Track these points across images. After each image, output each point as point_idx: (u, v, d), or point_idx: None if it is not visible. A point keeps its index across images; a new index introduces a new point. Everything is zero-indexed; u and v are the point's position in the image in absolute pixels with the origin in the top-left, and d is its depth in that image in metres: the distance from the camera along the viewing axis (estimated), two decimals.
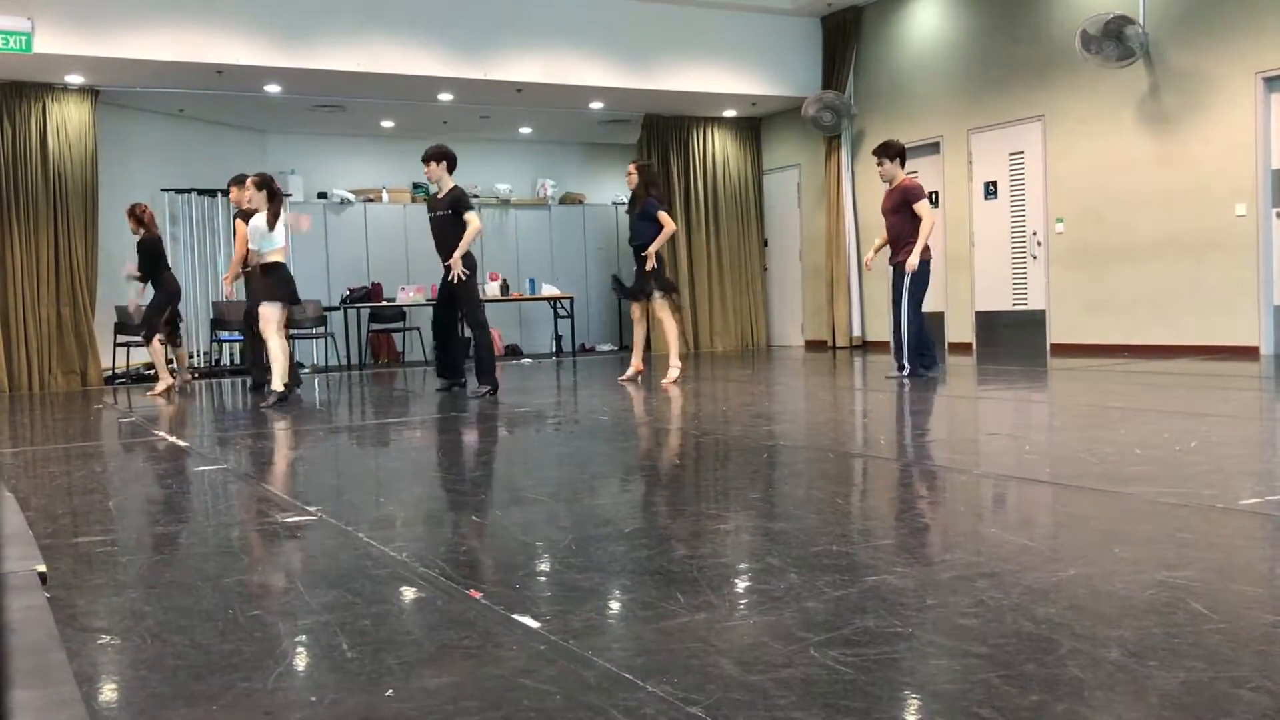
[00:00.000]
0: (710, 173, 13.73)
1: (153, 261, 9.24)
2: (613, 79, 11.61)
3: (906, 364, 8.01)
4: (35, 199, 10.31)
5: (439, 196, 8.03)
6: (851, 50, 12.46)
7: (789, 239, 13.91)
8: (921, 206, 7.94)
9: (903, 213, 8.00)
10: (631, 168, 8.62)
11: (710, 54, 12.10)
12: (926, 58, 11.72)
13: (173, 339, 9.72)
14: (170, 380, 9.43)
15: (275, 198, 8.12)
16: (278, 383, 7.87)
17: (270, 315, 8.02)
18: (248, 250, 8.34)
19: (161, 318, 9.34)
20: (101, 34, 9.35)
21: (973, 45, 11.16)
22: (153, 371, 10.66)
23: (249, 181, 8.30)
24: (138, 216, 9.21)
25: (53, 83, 10.25)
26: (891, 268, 8.13)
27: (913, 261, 7.86)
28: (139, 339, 9.81)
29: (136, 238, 9.26)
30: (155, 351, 9.40)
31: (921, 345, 8.04)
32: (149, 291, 9.32)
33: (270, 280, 8.08)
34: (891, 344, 8.30)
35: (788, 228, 13.92)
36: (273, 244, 8.06)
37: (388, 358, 13.72)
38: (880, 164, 8.17)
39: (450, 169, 8.01)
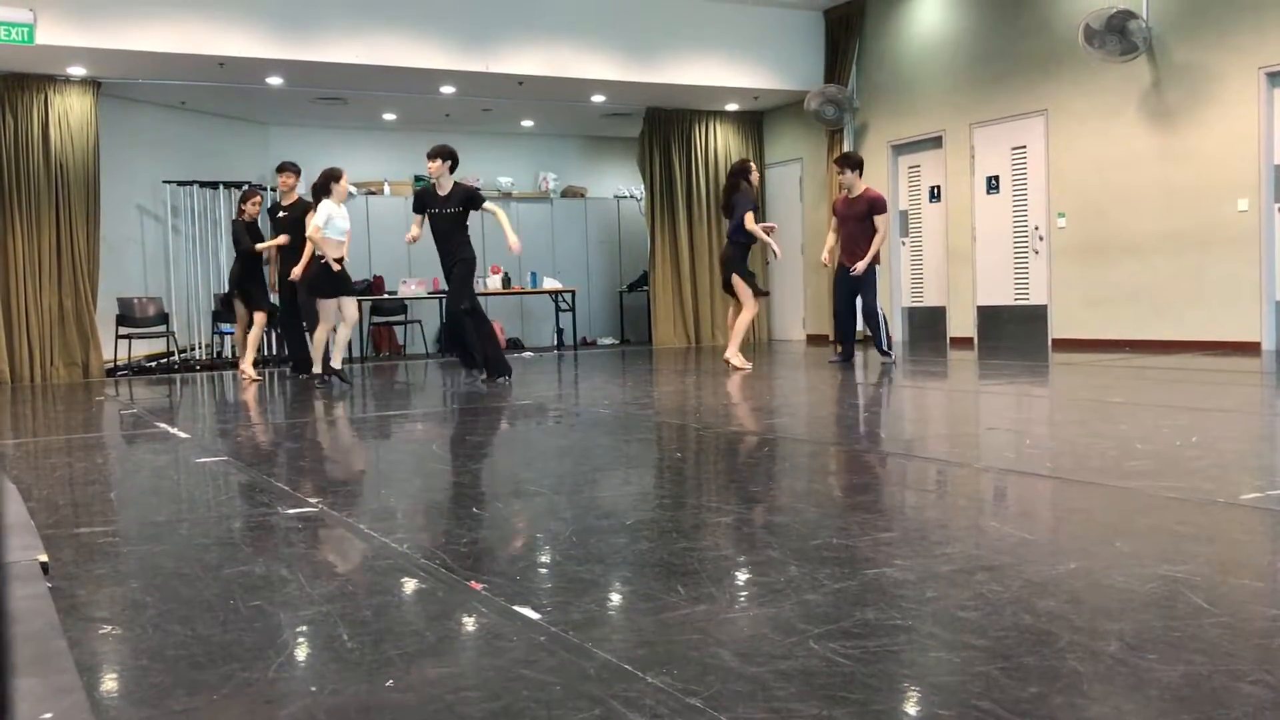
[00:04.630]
0: (712, 166, 13.71)
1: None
2: (614, 72, 11.60)
3: (888, 349, 9.11)
4: (37, 190, 10.30)
5: (444, 195, 8.14)
6: (854, 44, 12.44)
7: (791, 233, 13.89)
8: (882, 220, 8.94)
9: (866, 221, 8.87)
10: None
11: (712, 47, 12.08)
12: (929, 51, 11.70)
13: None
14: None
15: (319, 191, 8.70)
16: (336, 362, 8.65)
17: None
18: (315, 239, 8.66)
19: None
20: (103, 26, 9.34)
21: (975, 39, 11.15)
22: (154, 365, 10.65)
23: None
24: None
25: (54, 74, 10.24)
26: (839, 268, 9.19)
27: (860, 266, 8.86)
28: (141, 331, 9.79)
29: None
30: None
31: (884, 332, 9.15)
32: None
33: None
34: (838, 334, 9.46)
35: (790, 221, 13.90)
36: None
37: (389, 350, 13.73)
38: (842, 173, 9.03)
39: (452, 169, 8.19)
